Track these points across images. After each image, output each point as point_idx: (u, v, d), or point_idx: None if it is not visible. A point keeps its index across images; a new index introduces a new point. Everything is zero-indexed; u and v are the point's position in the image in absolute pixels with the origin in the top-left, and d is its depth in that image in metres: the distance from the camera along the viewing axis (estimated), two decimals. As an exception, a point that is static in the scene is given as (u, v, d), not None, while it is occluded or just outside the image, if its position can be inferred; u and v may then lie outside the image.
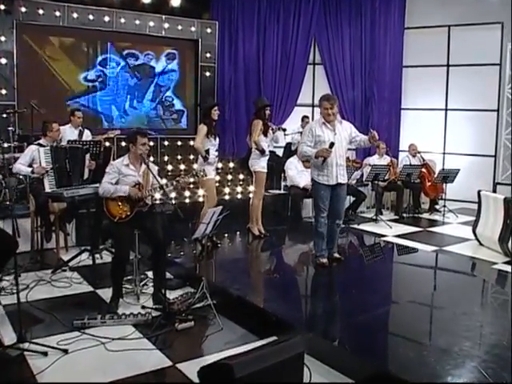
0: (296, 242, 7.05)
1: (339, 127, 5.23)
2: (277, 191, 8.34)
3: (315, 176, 5.25)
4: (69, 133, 6.93)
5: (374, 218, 8.05)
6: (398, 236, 7.22)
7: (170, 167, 8.18)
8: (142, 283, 4.78)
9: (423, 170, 8.97)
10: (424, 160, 9.25)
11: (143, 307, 4.35)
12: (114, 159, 5.93)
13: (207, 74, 10.09)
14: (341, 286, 5.10)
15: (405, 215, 8.61)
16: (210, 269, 5.17)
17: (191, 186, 7.28)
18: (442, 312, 4.12)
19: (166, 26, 9.56)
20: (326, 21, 10.46)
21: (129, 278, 4.75)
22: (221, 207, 4.66)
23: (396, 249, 6.63)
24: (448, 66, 10.01)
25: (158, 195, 4.76)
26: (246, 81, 10.41)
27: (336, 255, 5.51)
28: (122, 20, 9.12)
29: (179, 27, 9.70)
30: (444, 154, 10.17)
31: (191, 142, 9.65)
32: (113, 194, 4.37)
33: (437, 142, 10.15)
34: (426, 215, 8.84)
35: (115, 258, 4.44)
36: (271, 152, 9.02)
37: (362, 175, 8.84)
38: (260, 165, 6.41)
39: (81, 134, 6.99)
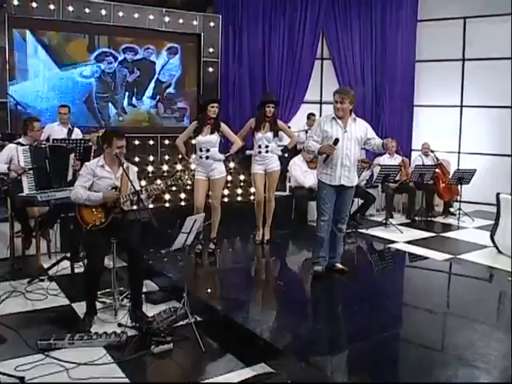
0: (298, 248, 6.56)
1: (352, 125, 4.69)
2: (281, 193, 7.83)
3: (319, 173, 4.83)
4: (57, 131, 6.59)
5: (384, 222, 7.53)
6: (409, 242, 6.70)
7: (165, 167, 7.72)
8: (121, 296, 4.32)
9: (437, 170, 8.43)
10: (438, 160, 8.70)
11: (119, 325, 3.90)
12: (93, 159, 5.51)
13: (210, 69, 9.67)
14: (343, 302, 4.55)
15: (417, 219, 8.07)
16: (198, 281, 4.71)
17: (188, 187, 6.81)
18: (457, 337, 3.57)
19: (167, 19, 9.16)
20: (335, 13, 9.96)
21: (107, 290, 4.31)
22: (203, 214, 4.18)
23: (406, 258, 6.07)
24: (464, 60, 9.47)
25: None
26: (250, 77, 10.00)
27: (339, 266, 4.97)
28: (120, 13, 8.74)
29: (180, 21, 9.29)
30: (459, 153, 9.62)
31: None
32: (85, 201, 3.94)
33: (452, 140, 9.60)
34: (439, 219, 8.29)
35: (87, 269, 4.00)
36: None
37: (371, 176, 8.33)
38: (253, 166, 5.97)
39: (70, 132, 6.63)
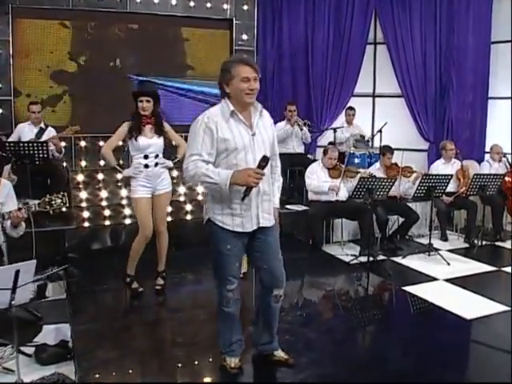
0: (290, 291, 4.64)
1: (260, 123, 2.95)
2: (297, 207, 6.48)
3: (213, 215, 2.97)
4: (27, 131, 5.90)
5: (428, 248, 5.88)
6: (453, 280, 5.04)
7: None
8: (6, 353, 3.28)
9: (507, 179, 6.58)
10: (511, 166, 6.83)
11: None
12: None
13: (244, 59, 8.44)
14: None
15: (477, 242, 6.28)
16: (108, 338, 3.52)
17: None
18: None
19: (192, 4, 8.07)
20: (390, -11, 8.33)
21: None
22: (34, 261, 2.96)
23: (431, 315, 4.29)
24: (555, 38, 7.47)
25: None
26: (292, 66, 8.72)
27: (280, 354, 3.23)
28: (138, -1, 7.77)
29: (208, 5, 8.17)
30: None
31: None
32: None
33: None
34: (509, 244, 6.42)
35: None
36: (299, 154, 7.26)
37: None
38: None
39: (41, 132, 5.81)
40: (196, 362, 3.31)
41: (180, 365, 3.28)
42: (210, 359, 3.30)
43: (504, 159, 6.90)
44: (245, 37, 8.43)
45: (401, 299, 4.70)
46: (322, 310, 4.29)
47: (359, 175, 5.84)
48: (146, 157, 4.27)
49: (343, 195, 5.82)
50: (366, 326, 4.07)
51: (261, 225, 2.95)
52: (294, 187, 6.93)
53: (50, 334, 3.73)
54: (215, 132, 2.82)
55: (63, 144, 6.60)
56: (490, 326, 4.00)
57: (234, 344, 3.13)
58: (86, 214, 5.56)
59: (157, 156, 4.33)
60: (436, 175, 5.94)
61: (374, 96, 8.80)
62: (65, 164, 6.66)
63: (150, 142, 4.28)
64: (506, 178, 6.56)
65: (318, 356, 3.39)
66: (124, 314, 4.07)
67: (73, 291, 4.39)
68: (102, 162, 6.72)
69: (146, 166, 4.28)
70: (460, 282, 5.01)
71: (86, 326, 3.65)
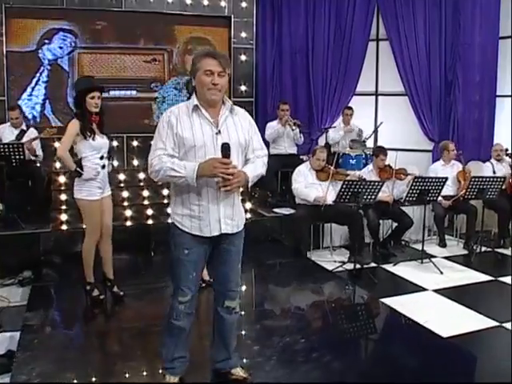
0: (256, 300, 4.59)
1: (229, 121, 2.75)
2: (285, 211, 6.24)
3: (174, 216, 2.79)
4: (8, 133, 5.85)
5: (421, 255, 5.58)
6: (443, 291, 4.72)
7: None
8: None
9: (512, 181, 6.22)
10: (516, 166, 6.46)
11: None
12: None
13: (243, 57, 8.27)
14: None
15: (476, 249, 5.91)
16: (54, 349, 3.33)
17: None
18: None
19: (189, 1, 7.89)
20: (392, -17, 8.01)
21: None
22: None
23: (405, 332, 3.96)
24: None
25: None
26: (292, 65, 8.51)
27: (238, 372, 3.02)
28: (133, -3, 7.63)
29: (206, 2, 7.98)
30: (553, 158, 7.22)
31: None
32: None
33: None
34: (510, 251, 6.05)
35: None
36: (291, 155, 7.01)
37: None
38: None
39: (22, 133, 5.74)
40: (140, 378, 3.12)
41: (124, 378, 3.09)
42: (160, 372, 3.07)
43: (507, 159, 6.51)
44: (243, 35, 8.23)
45: (377, 314, 4.39)
46: (282, 325, 3.90)
47: (348, 178, 5.56)
48: (101, 157, 4.10)
49: (331, 199, 5.54)
50: (331, 345, 3.61)
51: (223, 231, 2.73)
52: (285, 189, 6.68)
53: (4, 342, 3.60)
54: (175, 127, 2.67)
55: (58, 145, 6.52)
56: (467, 345, 3.66)
57: (175, 360, 2.89)
58: (64, 217, 5.42)
59: (108, 157, 4.20)
60: (429, 178, 5.63)
61: (376, 95, 8.48)
62: (59, 165, 6.56)
63: (103, 141, 4.11)
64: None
65: (276, 374, 3.15)
66: (80, 323, 3.89)
67: (36, 297, 4.26)
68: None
69: (103, 166, 4.12)
70: (450, 292, 4.69)
71: (36, 335, 3.49)
